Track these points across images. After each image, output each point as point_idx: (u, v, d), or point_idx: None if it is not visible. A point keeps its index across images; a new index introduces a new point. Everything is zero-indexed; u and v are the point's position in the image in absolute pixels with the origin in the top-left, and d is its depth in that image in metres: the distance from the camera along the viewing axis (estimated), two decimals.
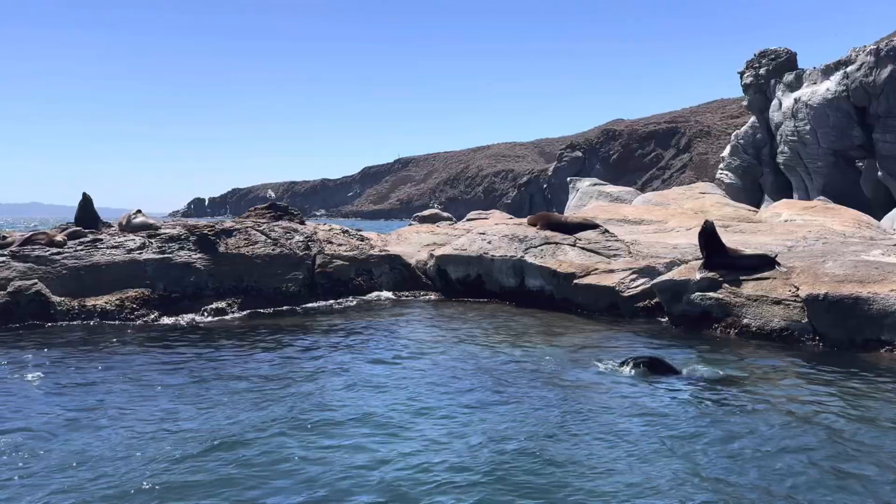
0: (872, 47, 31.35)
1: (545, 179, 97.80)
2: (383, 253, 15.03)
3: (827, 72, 33.13)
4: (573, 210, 27.63)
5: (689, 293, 11.46)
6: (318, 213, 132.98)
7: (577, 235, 14.78)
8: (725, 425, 6.28)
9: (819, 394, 7.32)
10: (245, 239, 13.64)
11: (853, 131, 32.61)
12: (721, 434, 6.05)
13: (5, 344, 9.34)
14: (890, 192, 31.16)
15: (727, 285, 11.17)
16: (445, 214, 30.82)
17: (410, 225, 29.31)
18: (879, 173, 31.25)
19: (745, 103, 41.06)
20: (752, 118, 38.52)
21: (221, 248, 13.15)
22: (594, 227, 15.24)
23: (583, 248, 14.26)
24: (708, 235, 11.70)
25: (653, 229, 20.11)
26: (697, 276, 11.51)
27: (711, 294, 11.20)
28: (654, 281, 12.15)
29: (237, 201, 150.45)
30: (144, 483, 4.95)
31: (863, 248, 12.76)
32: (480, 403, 6.86)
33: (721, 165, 40.44)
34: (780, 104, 35.44)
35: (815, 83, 33.56)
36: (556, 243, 14.40)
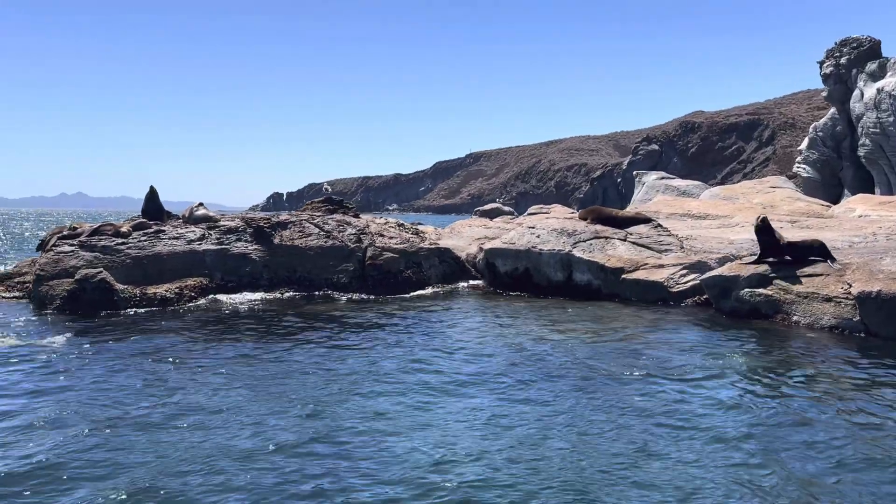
0: None
1: (619, 173, 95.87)
2: (433, 246, 15.29)
3: None
4: (639, 204, 27.14)
5: (738, 289, 11.21)
6: (390, 208, 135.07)
7: (629, 230, 14.63)
8: (786, 418, 6.20)
9: (864, 386, 7.08)
10: (299, 231, 14.19)
11: None
12: (788, 426, 5.99)
13: (74, 329, 10.11)
14: None
15: (778, 281, 10.87)
16: (507, 209, 30.86)
17: (471, 219, 29.60)
18: None
19: (824, 94, 39.05)
20: (832, 109, 36.58)
21: (276, 240, 13.74)
22: (647, 221, 15.02)
23: (633, 243, 14.10)
24: (762, 231, 11.37)
25: (717, 224, 19.62)
26: (747, 271, 11.24)
27: (761, 290, 10.94)
28: (703, 276, 11.93)
29: (313, 195, 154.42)
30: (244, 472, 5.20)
31: None
32: (525, 397, 6.96)
33: (798, 159, 38.63)
34: (862, 94, 33.53)
35: None
36: (606, 238, 14.30)
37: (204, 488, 4.87)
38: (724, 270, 11.72)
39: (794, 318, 10.39)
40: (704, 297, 12.07)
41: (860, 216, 19.71)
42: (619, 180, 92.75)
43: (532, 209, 27.18)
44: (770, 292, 10.82)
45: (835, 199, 28.27)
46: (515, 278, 14.71)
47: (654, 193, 27.74)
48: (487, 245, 15.37)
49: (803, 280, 10.63)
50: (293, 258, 13.66)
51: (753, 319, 10.83)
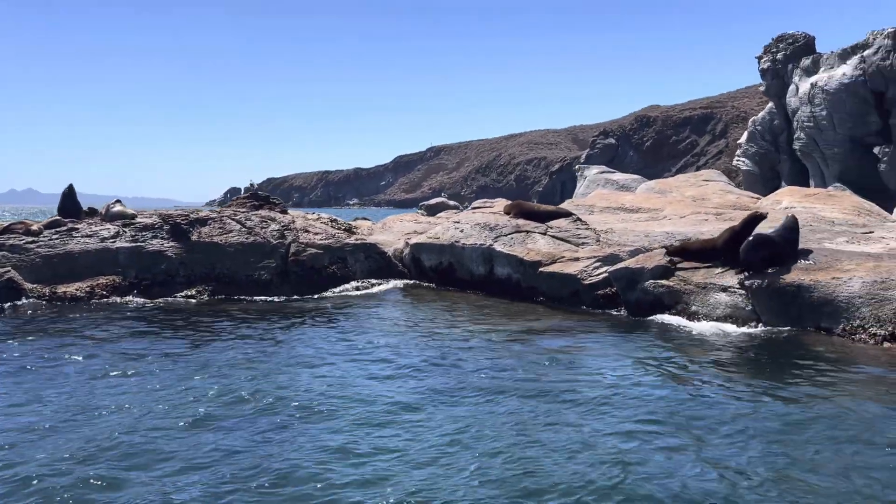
0: (891, 30, 30.39)
1: (590, 166, 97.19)
2: (359, 242, 15.39)
3: (844, 56, 32.23)
4: (580, 198, 27.60)
5: (644, 281, 11.56)
6: (351, 202, 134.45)
7: (550, 224, 14.92)
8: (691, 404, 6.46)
9: (749, 375, 7.42)
10: (219, 228, 14.17)
11: (870, 117, 31.70)
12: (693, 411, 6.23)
13: None
14: None
15: (680, 273, 11.25)
16: (452, 203, 31.02)
17: (405, 214, 29.71)
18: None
19: (762, 89, 40.14)
20: (770, 104, 37.70)
21: (194, 237, 13.70)
22: (567, 215, 15.36)
23: (553, 237, 14.40)
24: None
25: (646, 217, 19.99)
26: (652, 263, 11.60)
27: (663, 282, 11.30)
28: (611, 269, 12.27)
29: (272, 190, 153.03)
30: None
31: (830, 235, 12.65)
32: (433, 390, 7.08)
33: (738, 152, 39.73)
34: (797, 89, 34.61)
35: (832, 68, 32.69)
36: (528, 232, 14.57)
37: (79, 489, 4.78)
38: (632, 263, 12.07)
39: (693, 308, 10.76)
40: (615, 288, 12.42)
41: (786, 207, 20.32)
42: (577, 174, 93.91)
43: (476, 203, 27.46)
44: (672, 283, 11.18)
45: (773, 192, 29.07)
46: (440, 273, 14.92)
47: (594, 187, 28.27)
48: (413, 240, 15.54)
49: (702, 271, 11.02)
50: (212, 255, 13.64)
51: (657, 310, 11.20)
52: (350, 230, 16.82)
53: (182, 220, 13.85)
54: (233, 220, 14.53)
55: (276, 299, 13.09)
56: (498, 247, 14.14)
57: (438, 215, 22.64)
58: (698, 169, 76.48)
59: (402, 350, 8.74)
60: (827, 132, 32.60)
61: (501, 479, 4.90)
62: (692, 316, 10.68)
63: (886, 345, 8.64)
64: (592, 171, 30.29)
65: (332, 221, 16.93)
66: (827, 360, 8.02)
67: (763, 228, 10.93)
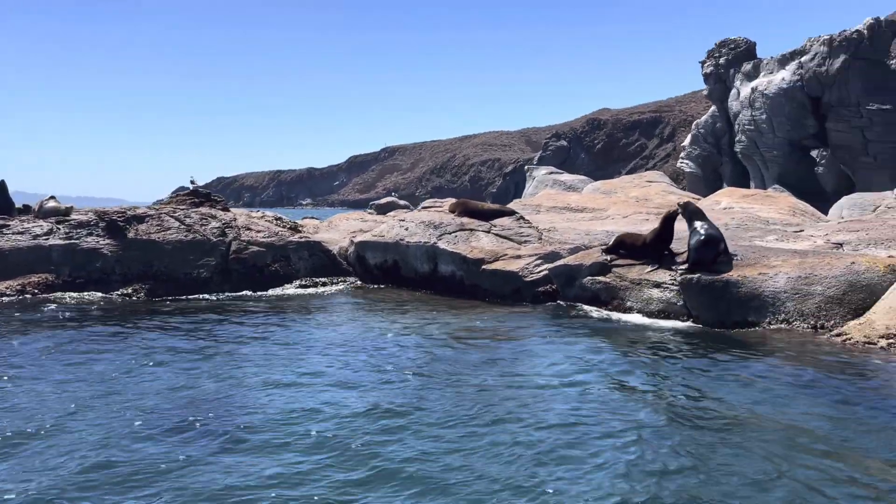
0: (826, 37, 31.65)
1: (539, 167, 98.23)
2: (303, 240, 15.29)
3: (783, 61, 33.44)
4: (529, 198, 27.94)
5: (581, 278, 11.80)
6: (304, 202, 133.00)
7: (494, 222, 15.07)
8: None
9: (676, 369, 7.63)
10: (157, 225, 13.90)
11: (807, 120, 32.94)
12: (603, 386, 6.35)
13: None
14: (844, 181, 31.53)
15: (616, 269, 11.51)
16: (402, 203, 31.00)
17: (351, 212, 29.62)
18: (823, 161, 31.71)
19: (705, 93, 41.35)
20: (713, 107, 38.84)
21: (131, 234, 13.41)
22: (510, 214, 15.55)
23: (496, 235, 14.55)
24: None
25: (590, 217, 20.45)
26: (589, 260, 11.84)
27: (600, 278, 11.55)
28: (550, 266, 12.48)
29: (222, 189, 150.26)
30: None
31: (762, 234, 13.13)
32: (361, 382, 7.11)
33: (682, 154, 40.81)
34: (739, 93, 35.75)
35: (771, 73, 33.88)
36: (472, 230, 14.69)
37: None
38: (571, 260, 12.31)
39: (628, 303, 11.03)
40: (555, 285, 12.64)
41: (724, 208, 20.99)
42: (527, 175, 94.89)
43: (426, 203, 27.56)
44: (608, 280, 11.44)
45: (714, 193, 29.95)
46: (385, 270, 14.92)
47: (542, 187, 28.63)
48: (358, 238, 15.52)
49: (637, 268, 11.30)
50: (149, 253, 13.37)
51: (594, 305, 11.45)
52: (295, 228, 16.68)
53: (118, 216, 13.54)
54: (171, 217, 14.27)
55: (215, 297, 12.91)
56: (442, 245, 14.23)
57: (388, 214, 22.67)
58: (647, 171, 78.38)
59: (340, 348, 8.71)
60: (766, 135, 33.73)
61: (427, 479, 4.88)
62: (628, 311, 10.95)
63: (812, 337, 9.00)
64: (541, 171, 30.69)
65: (276, 220, 16.77)
66: (753, 353, 8.30)
67: (701, 230, 10.99)
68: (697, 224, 10.74)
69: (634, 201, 22.42)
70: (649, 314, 10.63)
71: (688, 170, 39.19)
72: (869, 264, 9.62)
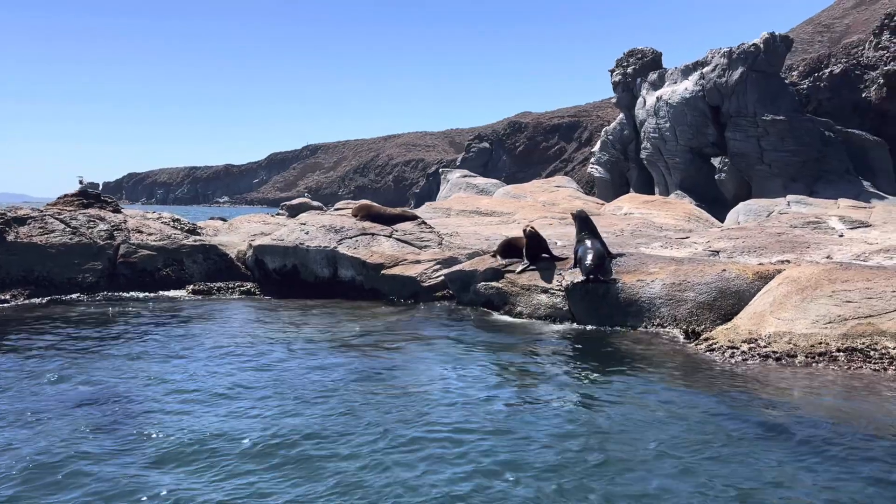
0: (726, 49, 33.39)
1: (453, 170, 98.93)
2: (197, 243, 14.94)
3: (686, 72, 35.04)
4: (442, 201, 28.19)
5: (476, 283, 12.04)
6: (220, 201, 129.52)
7: (396, 227, 15.17)
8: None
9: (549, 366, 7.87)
10: (40, 227, 13.28)
11: (708, 129, 34.61)
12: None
13: None
14: (744, 187, 33.32)
15: (509, 275, 11.80)
16: (315, 204, 30.76)
17: (278, 214, 29.20)
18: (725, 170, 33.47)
19: (614, 101, 42.84)
20: (621, 115, 40.31)
21: (10, 237, 12.76)
22: (413, 218, 15.71)
23: (397, 240, 14.65)
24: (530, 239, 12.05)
25: (498, 221, 20.88)
26: (484, 266, 12.09)
27: (493, 284, 11.81)
28: (446, 271, 12.68)
29: (133, 186, 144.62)
30: None
31: (648, 240, 13.74)
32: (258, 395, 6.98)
33: (592, 160, 42.11)
34: (645, 102, 37.23)
35: (675, 82, 35.44)
36: (373, 234, 14.74)
37: None
38: (466, 266, 12.54)
39: (518, 308, 11.34)
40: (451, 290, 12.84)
41: (626, 213, 21.88)
42: (441, 177, 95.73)
43: (339, 205, 27.45)
44: (500, 285, 11.72)
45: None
46: (284, 275, 14.75)
47: (456, 190, 28.96)
48: (257, 242, 15.28)
49: (527, 274, 11.62)
50: (30, 256, 12.76)
51: (488, 309, 11.71)
52: (193, 231, 16.28)
53: None
54: (56, 219, 13.66)
55: (99, 303, 12.44)
56: (342, 249, 14.21)
57: (302, 216, 22.43)
58: (567, 174, 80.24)
59: (230, 359, 8.50)
60: (670, 143, 35.25)
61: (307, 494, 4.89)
62: (518, 315, 11.25)
63: (682, 341, 9.50)
64: (455, 174, 31.05)
65: (173, 221, 16.32)
66: (628, 355, 8.70)
67: (587, 242, 11.27)
68: (587, 240, 11.04)
69: (542, 206, 23.05)
70: (538, 318, 10.96)
71: (597, 175, 40.46)
72: (739, 271, 10.21)
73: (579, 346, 9.37)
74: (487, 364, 8.33)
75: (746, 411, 6.50)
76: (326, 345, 9.34)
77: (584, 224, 11.29)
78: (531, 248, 11.67)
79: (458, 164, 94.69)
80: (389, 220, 15.39)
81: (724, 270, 10.19)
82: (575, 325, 10.52)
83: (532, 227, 11.80)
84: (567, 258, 11.62)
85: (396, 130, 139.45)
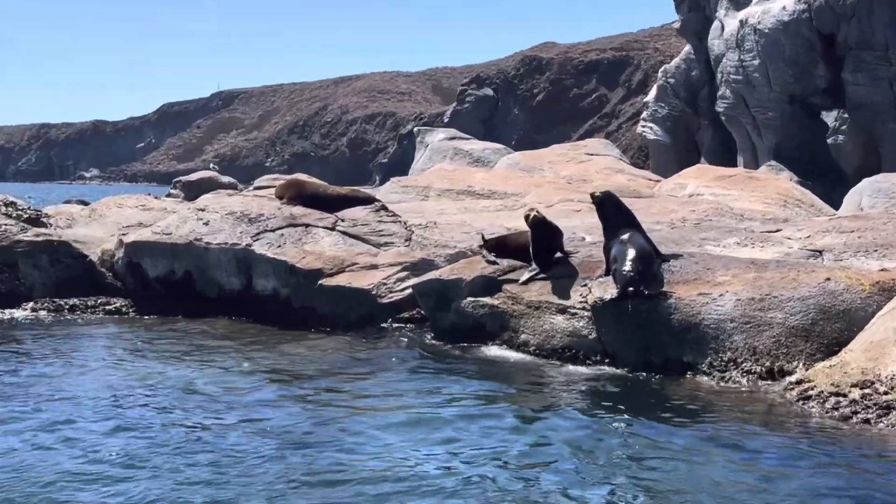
0: None
1: (440, 127, 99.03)
2: (41, 238, 15.03)
3: None
4: (417, 174, 28.27)
5: (460, 298, 12.09)
6: (87, 175, 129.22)
7: (342, 214, 15.25)
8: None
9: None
10: None
11: (816, 69, 34.76)
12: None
13: None
14: (871, 156, 33.55)
15: (509, 287, 11.83)
16: (226, 180, 30.96)
17: (168, 196, 29.29)
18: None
19: (677, 26, 43.04)
20: (687, 47, 40.50)
21: None
22: (367, 201, 15.83)
23: (344, 233, 14.77)
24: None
25: (499, 205, 20.98)
26: (472, 272, 12.15)
27: (485, 300, 11.86)
28: (415, 281, 12.74)
29: None
30: None
31: (719, 234, 13.87)
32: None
33: (644, 115, 42.25)
34: (723, 28, 37.39)
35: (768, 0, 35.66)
36: (307, 225, 14.86)
37: None
38: (445, 272, 12.59)
39: (523, 336, 11.38)
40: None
41: (690, 195, 22.01)
42: (417, 140, 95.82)
43: (261, 181, 27.53)
44: (497, 302, 11.76)
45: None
46: (172, 287, 14.87)
47: (439, 159, 29.05)
48: (131, 237, 15.33)
49: (539, 285, 11.65)
50: None
51: (477, 339, 11.74)
52: (37, 220, 16.32)
53: None
54: None
55: None
56: (260, 248, 14.28)
57: (203, 198, 22.44)
58: (609, 136, 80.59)
59: (88, 415, 8.57)
60: (760, 89, 35.36)
61: None
62: (523, 348, 11.32)
63: (762, 384, 9.58)
64: (437, 135, 31.16)
65: (5, 206, 16.32)
66: (683, 411, 8.74)
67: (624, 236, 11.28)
68: (624, 234, 11.05)
69: (566, 183, 23.15)
70: (551, 352, 11.02)
71: (652, 137, 40.64)
72: (850, 281, 10.30)
73: (613, 402, 9.27)
74: (476, 450, 7.86)
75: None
76: (223, 405, 9.14)
77: (615, 211, 11.37)
78: (539, 245, 11.71)
79: (445, 120, 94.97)
80: (333, 204, 15.48)
81: (829, 279, 10.29)
82: (606, 367, 10.57)
83: (538, 213, 11.85)
84: (595, 263, 11.64)
85: (354, 70, 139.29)
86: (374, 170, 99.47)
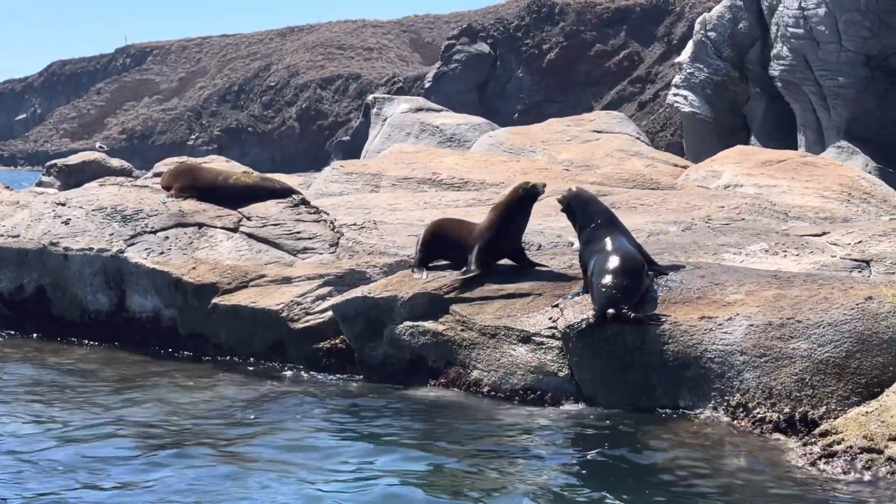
0: None
1: (421, 95, 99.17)
2: None
3: None
4: (372, 155, 28.37)
5: (395, 323, 12.15)
6: None
7: (247, 210, 15.31)
8: None
9: None
10: None
11: None
12: None
13: None
14: None
15: (459, 306, 11.87)
16: (116, 163, 30.95)
17: (39, 185, 29.38)
18: None
19: None
20: None
21: None
22: (284, 193, 15.86)
23: (249, 236, 14.83)
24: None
25: (471, 198, 21.05)
26: (410, 289, 12.21)
27: (427, 324, 11.93)
28: (337, 300, 12.78)
29: None
30: None
31: (743, 239, 13.96)
32: None
33: (676, 80, 42.17)
34: None
35: None
36: (201, 225, 14.94)
37: None
38: (377, 289, 12.63)
39: (475, 373, 11.44)
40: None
41: (727, 186, 22.14)
42: (372, 112, 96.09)
43: (160, 165, 27.70)
44: (442, 328, 11.82)
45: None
46: (19, 307, 14.89)
47: (402, 136, 29.18)
48: None
49: (495, 304, 11.71)
50: None
51: (417, 375, 11.87)
52: None
53: None
54: None
55: None
56: (136, 255, 14.36)
57: (86, 187, 22.50)
58: (642, 106, 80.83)
59: None
60: (827, 47, 35.51)
61: None
62: (474, 388, 11.38)
63: (777, 436, 9.62)
64: (399, 106, 31.22)
65: None
66: (677, 478, 8.74)
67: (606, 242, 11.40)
68: (606, 238, 11.14)
69: (563, 169, 23.23)
70: (510, 394, 11.09)
71: (686, 109, 40.57)
72: None
73: (580, 464, 9.33)
74: None
75: None
76: (84, 473, 9.14)
77: (590, 210, 11.49)
78: (500, 230, 11.92)
79: (427, 85, 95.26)
80: (236, 197, 15.55)
81: (871, 299, 10.32)
82: (582, 406, 10.64)
83: (539, 185, 12.15)
84: (575, 275, 11.73)
85: (306, 19, 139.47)
86: (332, 150, 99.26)
